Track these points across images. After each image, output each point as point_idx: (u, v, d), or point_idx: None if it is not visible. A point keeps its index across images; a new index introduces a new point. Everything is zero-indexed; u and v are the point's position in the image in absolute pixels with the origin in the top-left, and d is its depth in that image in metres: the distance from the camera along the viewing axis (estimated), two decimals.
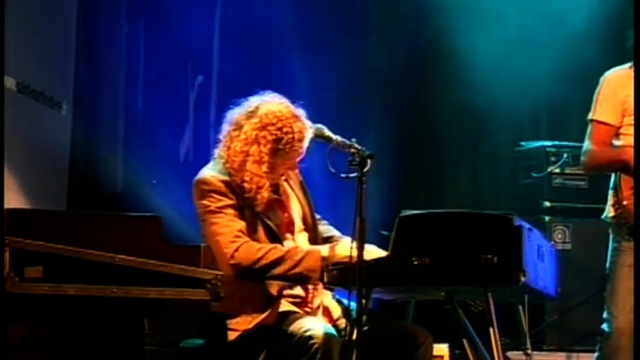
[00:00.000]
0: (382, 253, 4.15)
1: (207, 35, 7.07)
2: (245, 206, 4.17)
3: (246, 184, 4.15)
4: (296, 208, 4.37)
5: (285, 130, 4.16)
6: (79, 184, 6.39)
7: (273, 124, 4.16)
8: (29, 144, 5.78)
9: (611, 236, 4.93)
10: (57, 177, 6.24)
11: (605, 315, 4.86)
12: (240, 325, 4.13)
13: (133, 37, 6.92)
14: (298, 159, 4.26)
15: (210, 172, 4.22)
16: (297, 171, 4.40)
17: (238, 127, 4.23)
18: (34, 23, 5.84)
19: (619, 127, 4.89)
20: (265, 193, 4.17)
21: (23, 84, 5.70)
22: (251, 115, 4.22)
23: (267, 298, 4.16)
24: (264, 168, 4.16)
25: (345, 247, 4.08)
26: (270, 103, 4.24)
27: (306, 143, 4.21)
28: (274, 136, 4.16)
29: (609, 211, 4.92)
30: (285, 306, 4.20)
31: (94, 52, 6.61)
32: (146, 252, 3.71)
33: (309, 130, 4.20)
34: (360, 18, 7.30)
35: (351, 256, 3.95)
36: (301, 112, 4.24)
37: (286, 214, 4.32)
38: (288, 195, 4.37)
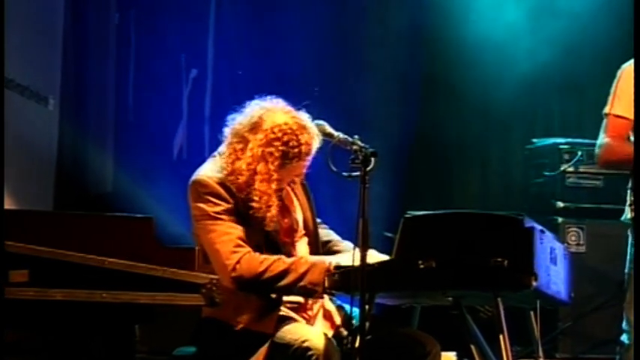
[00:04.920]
0: (383, 258, 4.16)
1: (202, 26, 7.08)
2: (244, 210, 4.16)
3: (255, 204, 4.14)
4: (298, 213, 4.37)
5: (291, 144, 4.14)
6: (66, 183, 6.39)
7: (279, 139, 4.14)
8: (14, 141, 5.77)
9: (629, 240, 4.88)
10: (43, 176, 6.24)
11: (624, 325, 4.81)
12: (235, 331, 4.13)
13: (123, 28, 6.93)
14: (305, 169, 4.27)
15: (207, 172, 4.21)
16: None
17: (243, 141, 4.20)
18: (18, 14, 5.83)
19: None
20: (274, 211, 4.17)
21: (8, 78, 5.69)
22: (255, 127, 4.18)
23: (263, 307, 4.16)
24: (274, 186, 4.15)
25: (348, 258, 4.08)
26: (274, 114, 4.20)
27: (313, 153, 4.20)
28: (281, 152, 4.14)
29: (628, 212, 4.89)
30: (282, 312, 4.19)
31: (82, 44, 6.61)
32: (137, 254, 3.71)
33: (316, 139, 4.19)
34: (362, 9, 7.30)
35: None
36: (307, 120, 4.21)
37: (287, 220, 4.32)
38: (291, 199, 4.37)
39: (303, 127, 4.18)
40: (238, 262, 4.07)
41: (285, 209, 4.33)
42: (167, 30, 6.88)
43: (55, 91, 6.30)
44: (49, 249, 3.66)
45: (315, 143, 4.19)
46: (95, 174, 6.68)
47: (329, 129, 4.20)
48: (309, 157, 4.21)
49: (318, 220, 4.51)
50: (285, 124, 4.16)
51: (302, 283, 4.09)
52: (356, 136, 4.07)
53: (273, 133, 4.14)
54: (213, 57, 7.12)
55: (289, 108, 4.23)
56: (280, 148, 4.14)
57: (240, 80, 6.87)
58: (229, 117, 4.26)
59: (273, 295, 4.16)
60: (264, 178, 4.14)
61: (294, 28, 7.03)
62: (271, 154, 4.14)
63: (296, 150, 4.15)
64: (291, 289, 4.11)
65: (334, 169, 4.04)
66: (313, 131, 4.19)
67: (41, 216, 4.04)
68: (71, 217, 3.97)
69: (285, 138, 4.14)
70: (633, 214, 4.83)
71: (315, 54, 7.03)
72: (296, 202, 4.39)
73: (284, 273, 4.09)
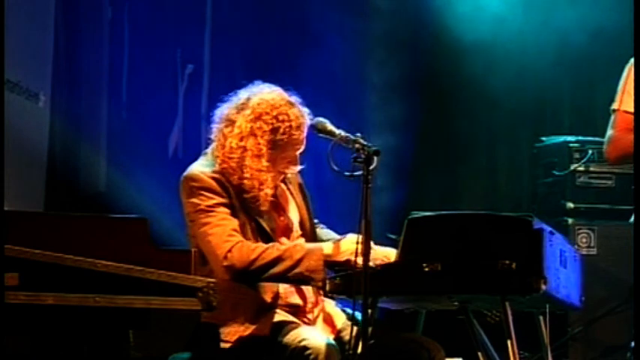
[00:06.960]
0: (388, 251, 4.19)
1: (199, 20, 7.08)
2: (238, 206, 4.18)
3: (246, 181, 4.16)
4: (294, 213, 4.38)
5: (281, 117, 4.19)
6: (57, 182, 6.40)
7: (267, 113, 4.19)
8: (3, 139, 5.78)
9: None
10: (34, 175, 6.24)
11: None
12: (231, 335, 4.14)
13: (116, 22, 6.93)
14: (298, 151, 4.27)
15: (199, 167, 4.24)
16: (296, 172, 4.41)
17: (230, 122, 4.25)
18: (8, 7, 5.83)
19: None
20: (269, 190, 4.19)
21: None
22: (242, 107, 4.25)
23: (260, 306, 4.17)
24: (264, 162, 4.18)
25: (349, 243, 4.08)
26: (262, 92, 4.27)
27: (304, 131, 4.23)
28: (271, 126, 4.18)
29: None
30: (280, 315, 4.21)
31: (74, 38, 6.61)
32: (132, 257, 3.71)
33: (306, 116, 4.23)
34: (363, 1, 7.31)
35: (356, 257, 3.91)
36: (295, 99, 4.26)
37: (282, 218, 4.34)
38: (286, 198, 4.39)
39: (292, 104, 4.24)
40: (230, 250, 4.08)
41: (280, 208, 4.35)
42: (162, 24, 6.88)
43: (45, 87, 6.30)
44: (40, 251, 3.66)
45: (306, 120, 4.22)
46: (87, 173, 6.68)
47: (330, 126, 4.20)
48: (301, 136, 4.22)
49: (316, 221, 4.52)
50: (273, 99, 4.23)
51: (298, 270, 4.10)
52: (358, 134, 4.08)
53: (261, 107, 4.21)
54: (209, 52, 7.12)
55: (278, 88, 4.29)
56: (269, 121, 4.18)
57: (238, 77, 6.86)
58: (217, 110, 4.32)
59: (269, 299, 4.16)
60: (255, 153, 4.17)
61: (293, 23, 7.03)
62: (260, 128, 4.18)
63: (287, 124, 4.18)
64: (286, 277, 4.11)
65: (335, 168, 4.04)
66: (303, 108, 4.24)
67: (32, 217, 4.03)
68: (62, 218, 3.96)
69: (274, 112, 4.19)
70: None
71: (314, 50, 7.03)
72: (292, 201, 4.40)
73: (278, 260, 4.10)
